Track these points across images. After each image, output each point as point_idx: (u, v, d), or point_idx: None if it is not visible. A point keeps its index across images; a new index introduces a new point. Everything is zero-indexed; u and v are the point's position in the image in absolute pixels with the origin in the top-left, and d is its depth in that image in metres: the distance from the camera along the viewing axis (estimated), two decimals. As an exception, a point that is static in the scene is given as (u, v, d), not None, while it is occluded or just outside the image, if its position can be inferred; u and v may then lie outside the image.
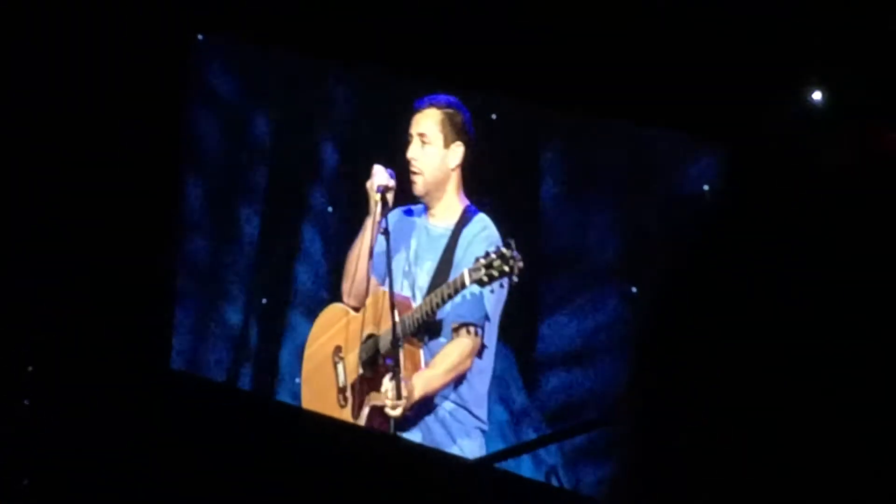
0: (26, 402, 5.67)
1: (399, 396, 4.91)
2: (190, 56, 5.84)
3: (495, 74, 5.14)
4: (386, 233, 5.00)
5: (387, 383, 4.93)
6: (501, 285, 4.81)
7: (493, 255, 4.78)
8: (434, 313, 4.93)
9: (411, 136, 5.06)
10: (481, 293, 4.87)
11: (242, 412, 5.72)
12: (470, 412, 5.08)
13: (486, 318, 4.97)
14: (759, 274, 4.95)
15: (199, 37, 5.85)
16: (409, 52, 5.29)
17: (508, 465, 5.19)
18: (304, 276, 5.62)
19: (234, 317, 5.77)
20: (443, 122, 5.04)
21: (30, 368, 5.73)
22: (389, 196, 5.05)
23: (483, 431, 5.11)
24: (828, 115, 4.87)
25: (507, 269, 4.76)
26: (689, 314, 4.84)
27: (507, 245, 4.79)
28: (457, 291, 4.84)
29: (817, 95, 4.82)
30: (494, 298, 4.91)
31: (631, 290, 5.05)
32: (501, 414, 5.23)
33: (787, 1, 4.81)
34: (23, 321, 5.84)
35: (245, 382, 5.73)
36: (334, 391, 5.17)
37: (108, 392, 5.85)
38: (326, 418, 5.33)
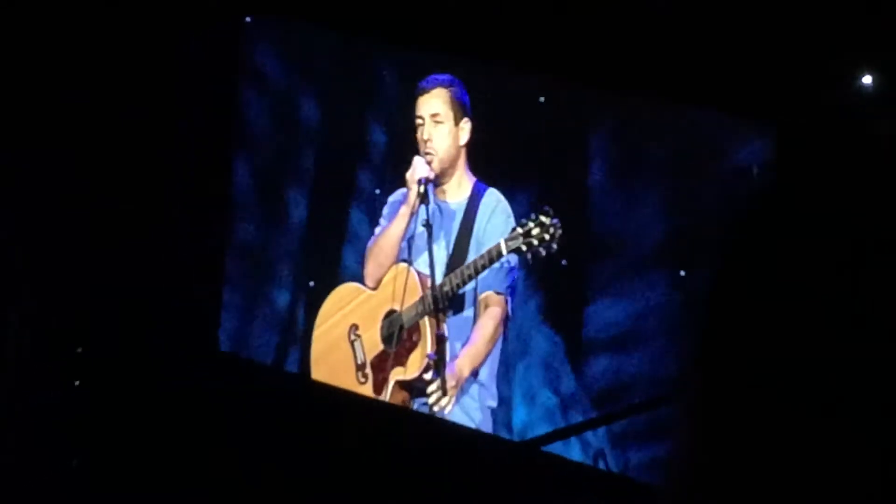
0: (77, 382, 5.70)
1: (445, 392, 4.91)
2: (239, 38, 5.85)
3: (543, 56, 5.12)
4: (428, 225, 4.99)
5: (432, 386, 4.92)
6: (539, 254, 4.78)
7: (532, 224, 4.77)
8: (464, 285, 4.94)
9: (422, 118, 5.09)
10: (505, 263, 4.87)
11: (289, 394, 5.73)
12: (483, 386, 5.08)
13: (512, 287, 4.98)
14: (812, 256, 4.91)
15: (248, 19, 5.86)
16: (457, 33, 5.28)
17: (557, 448, 5.19)
18: (350, 258, 5.62)
19: (282, 299, 5.78)
20: (451, 101, 5.08)
21: (79, 350, 5.77)
22: (429, 188, 5.06)
23: (492, 409, 5.10)
24: (878, 97, 4.83)
25: (546, 236, 4.74)
26: (740, 296, 4.81)
27: (545, 212, 4.75)
28: (492, 262, 4.84)
29: (868, 79, 4.78)
30: (518, 269, 4.93)
31: (679, 274, 5.03)
32: (550, 399, 5.22)
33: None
34: (73, 303, 5.87)
35: (292, 364, 5.74)
36: (352, 368, 5.19)
37: (157, 373, 5.88)
38: (366, 399, 5.34)
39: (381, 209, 5.48)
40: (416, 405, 5.08)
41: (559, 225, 4.73)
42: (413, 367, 4.98)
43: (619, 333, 5.19)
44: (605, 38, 5.02)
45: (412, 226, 5.07)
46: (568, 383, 5.26)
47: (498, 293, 4.99)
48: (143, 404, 5.85)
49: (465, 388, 5.04)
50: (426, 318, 4.99)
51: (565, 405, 5.27)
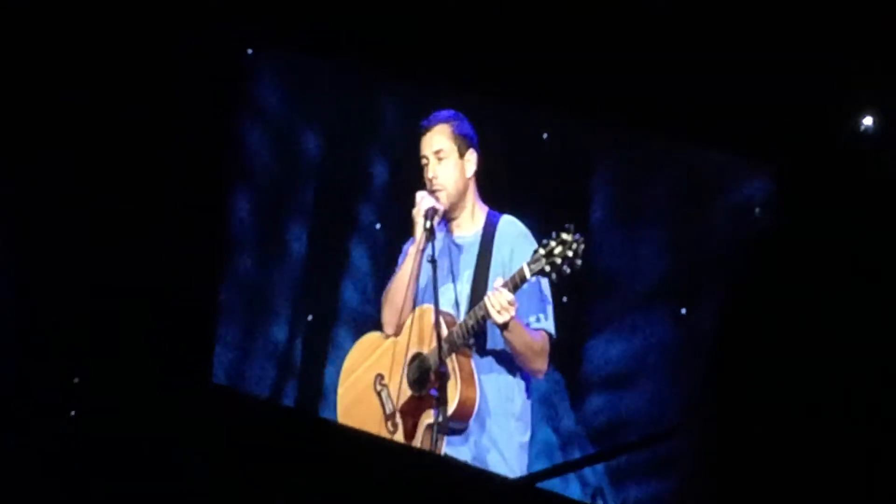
0: (73, 413, 5.66)
1: (445, 401, 4.83)
2: (239, 71, 5.85)
3: (548, 93, 5.13)
4: (433, 261, 4.92)
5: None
6: (564, 272, 4.64)
7: (553, 243, 4.65)
8: (488, 318, 4.79)
9: (426, 157, 5.04)
10: (535, 287, 4.76)
11: (285, 428, 5.70)
12: (520, 420, 5.00)
13: (547, 311, 4.86)
14: (813, 293, 4.92)
15: (249, 51, 5.86)
16: (461, 69, 5.29)
17: (555, 485, 5.16)
18: (350, 293, 5.61)
19: (280, 333, 5.76)
20: (453, 135, 5.04)
21: (76, 380, 5.73)
22: (436, 222, 4.98)
23: (521, 446, 5.01)
24: (878, 139, 4.86)
25: (570, 253, 4.61)
26: (741, 333, 4.78)
27: (566, 229, 4.68)
28: (516, 288, 4.72)
29: (868, 120, 4.81)
30: (546, 298, 4.81)
31: (680, 312, 5.03)
32: (549, 435, 5.21)
33: (838, 27, 4.80)
34: (69, 333, 5.84)
35: (289, 399, 5.71)
36: (381, 420, 5.09)
37: (151, 406, 5.84)
38: (369, 434, 5.29)
39: (381, 243, 5.46)
40: (446, 444, 4.93)
41: (582, 240, 4.62)
42: (445, 408, 4.84)
43: (619, 371, 5.19)
44: (610, 77, 5.04)
45: (423, 266, 4.98)
46: (567, 420, 5.25)
47: (537, 317, 4.86)
48: (137, 436, 5.81)
49: (491, 424, 4.95)
50: (454, 357, 4.91)
51: (564, 442, 5.26)
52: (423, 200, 5.01)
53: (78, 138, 5.86)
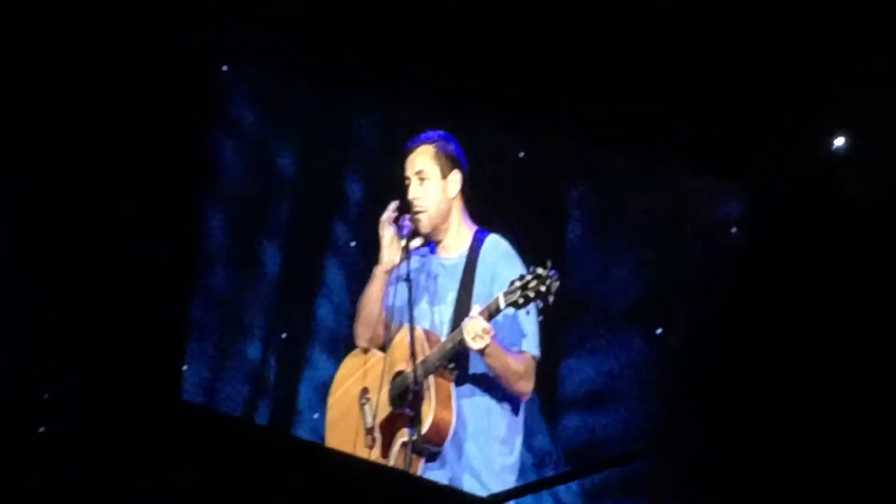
0: (42, 429, 5.62)
1: (420, 421, 4.83)
2: (214, 87, 5.83)
3: (525, 112, 5.14)
4: (408, 280, 4.92)
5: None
6: (538, 306, 4.71)
7: (529, 276, 4.68)
8: (464, 343, 4.77)
9: (408, 177, 5.03)
10: (514, 316, 4.79)
11: (259, 447, 5.67)
12: (505, 443, 4.98)
13: (527, 339, 4.88)
14: (787, 313, 4.92)
15: (224, 68, 5.84)
16: (437, 88, 5.29)
17: (528, 504, 5.16)
18: (325, 311, 5.59)
19: (254, 351, 5.74)
20: (436, 155, 5.02)
21: (46, 396, 5.69)
22: (414, 244, 4.98)
23: (506, 467, 4.99)
24: (850, 160, 4.88)
25: (543, 289, 4.66)
26: (716, 354, 4.80)
27: (542, 265, 4.71)
28: (491, 316, 4.74)
29: (840, 141, 4.84)
30: (530, 319, 4.84)
31: (655, 332, 5.03)
32: (524, 456, 5.19)
33: (809, 50, 4.84)
34: (38, 348, 5.81)
35: (263, 417, 5.69)
36: (362, 433, 5.09)
37: (123, 423, 5.81)
38: (345, 454, 5.27)
39: (356, 262, 5.44)
40: (422, 465, 4.93)
41: (556, 276, 4.65)
42: (420, 427, 4.83)
43: (594, 390, 5.19)
44: (587, 97, 5.05)
45: (401, 285, 4.98)
46: (542, 440, 5.24)
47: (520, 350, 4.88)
48: (107, 454, 5.77)
49: (483, 447, 4.95)
50: (432, 378, 4.91)
51: (538, 462, 5.25)
52: (387, 211, 5.02)
53: (51, 153, 5.83)
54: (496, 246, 5.01)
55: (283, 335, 5.66)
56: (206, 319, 5.85)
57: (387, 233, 5.04)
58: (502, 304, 4.71)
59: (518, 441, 4.96)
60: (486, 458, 4.93)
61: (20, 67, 5.81)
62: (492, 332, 4.72)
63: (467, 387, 4.94)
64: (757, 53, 4.89)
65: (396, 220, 5.04)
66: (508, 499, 5.08)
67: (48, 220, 5.89)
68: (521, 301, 4.67)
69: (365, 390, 5.10)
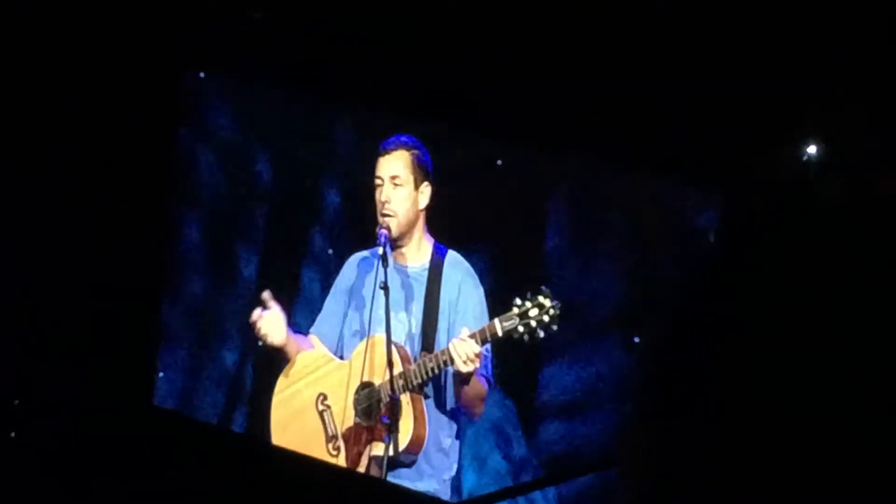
0: (13, 434, 5.59)
1: (396, 450, 4.79)
2: (191, 94, 5.82)
3: (503, 120, 5.14)
4: (385, 287, 4.86)
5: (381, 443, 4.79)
6: (537, 336, 4.62)
7: (529, 304, 4.59)
8: (452, 363, 4.69)
9: (381, 178, 4.95)
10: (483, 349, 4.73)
11: (235, 455, 5.65)
12: (447, 456, 4.97)
13: (490, 374, 4.85)
14: (761, 319, 4.93)
15: (201, 75, 5.83)
16: (415, 96, 5.28)
17: (506, 514, 5.15)
18: (302, 318, 5.56)
19: (229, 358, 5.71)
20: (413, 164, 4.96)
21: (16, 402, 5.66)
22: (388, 251, 4.92)
23: (446, 481, 4.97)
24: (824, 166, 4.92)
25: (546, 318, 4.55)
26: (694, 361, 4.80)
27: (543, 293, 4.59)
28: (484, 341, 4.64)
29: (812, 148, 4.86)
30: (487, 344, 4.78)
31: (633, 340, 5.04)
32: (500, 464, 5.19)
33: (782, 57, 4.86)
34: (6, 354, 5.77)
35: (238, 425, 5.67)
36: (322, 439, 5.03)
37: (94, 429, 5.78)
38: (319, 462, 5.25)
39: (333, 269, 5.42)
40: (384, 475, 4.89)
41: (559, 306, 4.55)
42: (398, 441, 4.80)
43: (572, 399, 5.19)
44: (566, 105, 5.05)
45: (371, 289, 4.91)
46: (519, 448, 5.24)
47: (482, 375, 4.83)
48: (79, 461, 5.74)
49: (430, 458, 4.91)
50: (408, 395, 4.86)
51: (516, 470, 5.25)
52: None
53: (23, 157, 5.81)
54: (460, 263, 4.95)
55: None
56: (181, 326, 5.82)
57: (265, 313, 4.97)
58: (500, 332, 4.63)
59: (457, 457, 4.95)
60: (437, 469, 4.92)
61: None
62: (482, 357, 4.68)
63: (430, 401, 4.90)
64: (731, 61, 4.91)
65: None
66: (490, 501, 5.08)
67: (18, 222, 5.85)
68: (521, 329, 4.57)
69: (323, 396, 5.03)
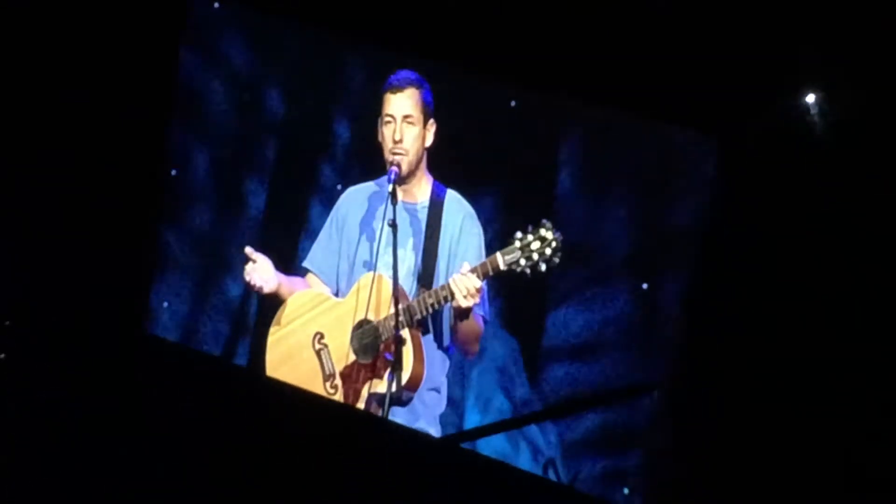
0: (2, 355, 5.56)
1: (399, 385, 4.77)
2: (204, 23, 5.78)
3: (517, 60, 5.11)
4: (394, 225, 4.82)
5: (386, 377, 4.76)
6: (539, 269, 4.60)
7: (531, 237, 4.53)
8: (452, 298, 4.61)
9: (392, 116, 4.85)
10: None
11: (237, 387, 5.64)
12: (439, 394, 4.95)
13: (483, 302, 4.83)
14: (763, 273, 4.90)
15: (216, 5, 5.78)
16: (428, 34, 5.25)
17: (506, 454, 5.15)
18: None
19: (235, 290, 5.70)
20: (421, 103, 4.90)
21: (7, 323, 5.62)
22: (400, 189, 4.88)
23: (441, 414, 4.96)
24: (820, 115, 4.91)
25: (548, 251, 4.47)
26: (701, 310, 4.77)
27: (544, 225, 4.52)
28: (486, 276, 4.57)
29: (811, 98, 4.85)
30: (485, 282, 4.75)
31: (642, 286, 5.03)
32: (503, 404, 5.20)
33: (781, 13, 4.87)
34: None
35: (241, 357, 5.66)
36: (319, 377, 4.99)
37: (82, 352, 5.77)
38: (323, 398, 5.24)
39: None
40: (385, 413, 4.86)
41: (561, 238, 4.47)
42: (397, 381, 4.76)
43: (578, 343, 5.18)
44: (582, 49, 5.03)
45: (377, 224, 4.88)
46: (523, 390, 5.24)
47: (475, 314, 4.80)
48: (73, 387, 5.73)
49: (422, 396, 4.90)
50: (408, 331, 4.79)
51: (519, 410, 5.25)
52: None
53: (41, 87, 5.78)
54: (460, 201, 4.91)
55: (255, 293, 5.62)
56: (187, 256, 5.81)
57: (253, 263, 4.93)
58: (502, 265, 4.56)
59: (446, 394, 4.94)
60: (428, 408, 4.91)
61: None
62: (483, 291, 4.67)
63: (427, 338, 4.88)
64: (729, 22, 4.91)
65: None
66: (480, 436, 5.07)
67: (22, 147, 5.84)
68: (523, 262, 4.54)
69: (319, 335, 5.00)
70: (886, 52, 4.66)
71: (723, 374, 4.57)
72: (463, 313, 4.67)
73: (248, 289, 4.93)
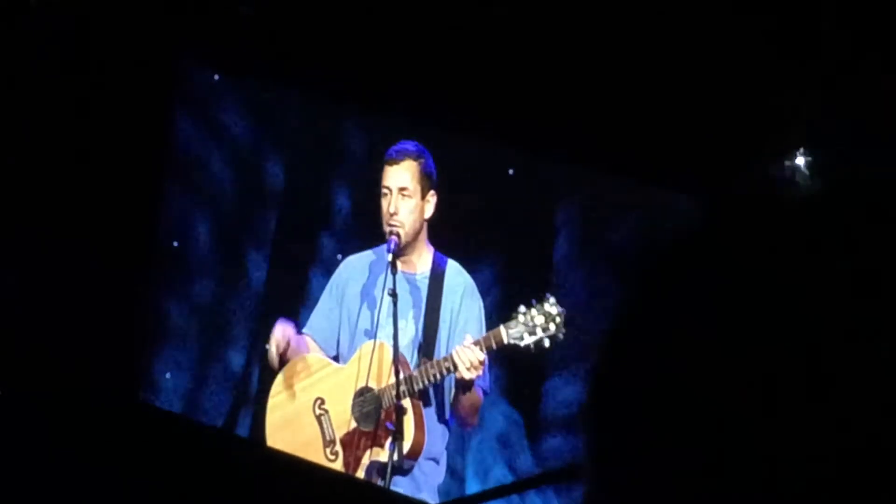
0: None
1: (401, 454, 4.76)
2: (206, 96, 5.81)
3: (514, 129, 5.12)
4: (394, 295, 4.82)
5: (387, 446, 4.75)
6: (542, 344, 4.57)
7: (535, 311, 4.54)
8: (454, 370, 4.64)
9: (388, 189, 4.89)
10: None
11: (239, 459, 5.63)
12: (438, 464, 4.94)
13: (487, 383, 4.80)
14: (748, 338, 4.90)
15: (216, 77, 5.82)
16: (427, 103, 5.26)
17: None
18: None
19: (237, 360, 5.70)
20: (420, 175, 4.89)
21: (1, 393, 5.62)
22: (399, 259, 4.87)
23: (439, 485, 4.94)
24: (808, 178, 4.90)
25: (553, 326, 4.52)
26: (695, 373, 4.78)
27: (547, 300, 4.54)
28: (489, 349, 4.59)
29: (800, 160, 4.85)
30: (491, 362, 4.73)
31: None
32: (505, 475, 5.16)
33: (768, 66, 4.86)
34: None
35: (243, 429, 5.65)
36: (320, 443, 4.99)
37: (86, 424, 5.75)
38: (324, 468, 5.22)
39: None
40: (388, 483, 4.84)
41: (565, 313, 4.52)
42: (398, 450, 4.76)
43: (575, 413, 5.16)
44: (578, 116, 5.03)
45: (378, 293, 4.88)
46: (525, 460, 5.21)
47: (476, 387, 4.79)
48: (69, 458, 5.72)
49: (422, 466, 4.87)
50: (409, 400, 4.78)
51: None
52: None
53: (40, 146, 5.81)
54: (461, 272, 4.91)
55: (268, 346, 5.62)
56: (188, 327, 5.81)
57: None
58: (506, 339, 4.58)
59: (445, 465, 4.92)
60: (428, 476, 4.89)
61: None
62: (486, 365, 4.66)
63: (429, 409, 4.87)
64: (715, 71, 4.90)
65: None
66: (479, 501, 5.04)
67: (15, 214, 5.85)
68: (527, 338, 4.53)
69: (320, 400, 4.99)
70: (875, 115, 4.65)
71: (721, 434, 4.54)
72: (465, 385, 4.67)
73: (268, 342, 4.94)
